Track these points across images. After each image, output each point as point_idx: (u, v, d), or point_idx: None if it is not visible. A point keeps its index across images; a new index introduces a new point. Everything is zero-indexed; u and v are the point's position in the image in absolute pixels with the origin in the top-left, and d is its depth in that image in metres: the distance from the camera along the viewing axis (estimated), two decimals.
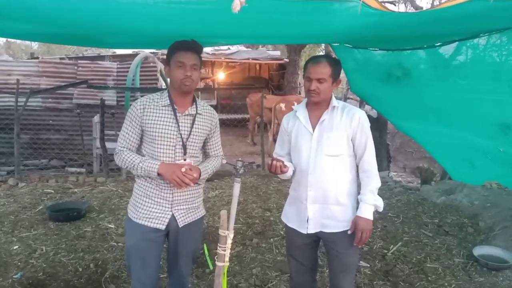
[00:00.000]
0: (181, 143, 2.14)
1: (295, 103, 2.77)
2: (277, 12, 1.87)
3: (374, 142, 2.25)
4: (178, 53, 2.07)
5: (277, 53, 14.72)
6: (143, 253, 2.19)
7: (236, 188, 2.14)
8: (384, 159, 8.41)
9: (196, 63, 2.09)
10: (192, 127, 2.17)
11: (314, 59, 2.21)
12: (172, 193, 2.17)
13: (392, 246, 4.02)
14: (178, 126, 2.14)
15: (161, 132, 2.11)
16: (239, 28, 2.19)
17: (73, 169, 6.97)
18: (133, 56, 8.81)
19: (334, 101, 2.23)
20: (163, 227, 2.18)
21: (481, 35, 2.52)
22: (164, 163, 2.09)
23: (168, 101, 2.14)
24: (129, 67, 7.63)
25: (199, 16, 1.91)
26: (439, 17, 1.82)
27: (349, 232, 2.20)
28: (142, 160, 2.11)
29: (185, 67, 2.06)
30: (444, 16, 1.80)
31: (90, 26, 2.18)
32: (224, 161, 2.41)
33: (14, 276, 3.28)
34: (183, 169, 2.05)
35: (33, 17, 2.02)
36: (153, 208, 2.17)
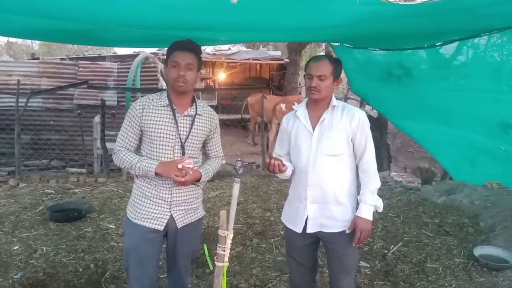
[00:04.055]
0: (179, 143, 2.14)
1: (296, 103, 2.77)
2: (275, 2, 1.88)
3: (374, 142, 2.26)
4: (174, 53, 2.08)
5: (278, 53, 14.72)
6: (142, 254, 2.19)
7: (236, 188, 2.14)
8: (384, 159, 8.40)
9: (191, 63, 2.08)
10: (191, 128, 2.17)
11: (316, 57, 2.25)
12: (171, 194, 2.17)
13: (392, 246, 4.02)
14: (177, 126, 2.14)
15: (160, 133, 2.11)
16: (238, 19, 2.19)
17: (74, 170, 6.97)
18: (133, 56, 8.81)
19: (334, 101, 2.24)
20: (162, 228, 2.18)
21: (481, 34, 2.52)
22: (161, 163, 2.09)
23: (167, 101, 2.15)
24: (129, 68, 7.64)
25: (198, 4, 1.91)
26: (439, 9, 1.83)
27: (347, 231, 2.20)
28: (139, 160, 2.11)
29: (179, 66, 2.05)
30: (444, 8, 1.80)
31: (89, 16, 2.18)
32: (224, 162, 2.41)
33: (14, 276, 3.29)
34: (179, 166, 2.05)
35: (31, 8, 2.01)
36: (151, 209, 2.17)
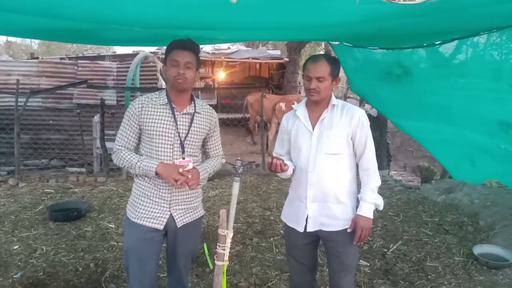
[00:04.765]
0: (179, 142, 2.14)
1: (295, 102, 2.77)
2: (275, 0, 1.88)
3: (374, 141, 2.26)
4: (173, 52, 2.08)
5: (277, 52, 14.71)
6: (142, 253, 2.19)
7: (235, 187, 2.14)
8: (384, 158, 8.40)
9: (190, 61, 2.08)
10: (190, 126, 2.17)
11: (313, 58, 2.23)
12: (171, 193, 2.17)
13: (392, 245, 4.02)
14: (176, 124, 2.14)
15: (159, 131, 2.11)
16: (237, 18, 2.19)
17: (73, 169, 6.98)
18: (133, 56, 8.81)
19: (334, 100, 2.24)
20: (161, 227, 2.18)
21: (481, 33, 2.51)
22: (162, 163, 2.09)
23: (166, 100, 2.15)
24: (129, 67, 7.64)
25: (198, 3, 1.91)
26: (439, 8, 1.83)
27: (348, 230, 2.20)
28: (140, 159, 2.11)
29: (178, 65, 2.06)
30: (444, 7, 1.81)
31: (88, 15, 2.17)
32: (224, 161, 2.41)
33: (14, 276, 3.29)
34: (180, 170, 2.06)
35: (31, 7, 2.01)
36: (151, 208, 2.17)
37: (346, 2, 1.80)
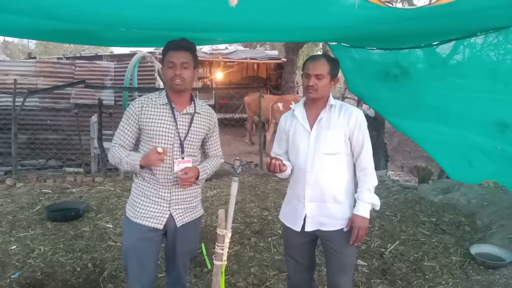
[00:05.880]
0: (178, 142, 2.15)
1: (293, 103, 2.77)
2: (274, 2, 1.88)
3: (371, 142, 2.27)
4: (169, 53, 2.08)
5: (275, 52, 14.72)
6: (141, 253, 2.20)
7: (234, 187, 2.14)
8: (381, 158, 8.41)
9: (186, 61, 2.08)
10: (190, 126, 2.18)
11: (313, 57, 2.26)
12: (170, 193, 2.17)
13: (389, 244, 4.03)
14: (176, 124, 2.14)
15: (159, 131, 2.12)
16: (236, 20, 2.20)
17: (71, 169, 6.96)
18: (130, 55, 8.81)
19: (332, 100, 2.25)
20: (161, 227, 2.19)
21: (478, 34, 2.52)
22: (144, 155, 2.08)
23: (166, 100, 2.15)
24: (126, 67, 7.62)
25: (197, 5, 1.92)
26: (436, 13, 1.84)
27: (345, 229, 2.22)
28: (127, 154, 2.11)
29: (175, 66, 2.06)
30: (441, 12, 1.82)
31: (88, 17, 2.17)
32: (222, 161, 2.42)
33: (12, 276, 3.28)
34: (159, 150, 2.02)
35: (30, 8, 2.01)
36: (151, 208, 2.18)
37: (345, 7, 1.81)
